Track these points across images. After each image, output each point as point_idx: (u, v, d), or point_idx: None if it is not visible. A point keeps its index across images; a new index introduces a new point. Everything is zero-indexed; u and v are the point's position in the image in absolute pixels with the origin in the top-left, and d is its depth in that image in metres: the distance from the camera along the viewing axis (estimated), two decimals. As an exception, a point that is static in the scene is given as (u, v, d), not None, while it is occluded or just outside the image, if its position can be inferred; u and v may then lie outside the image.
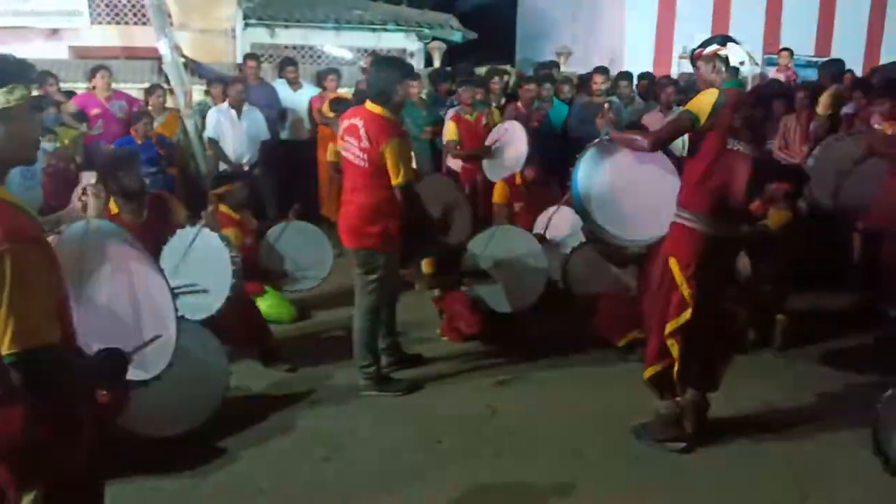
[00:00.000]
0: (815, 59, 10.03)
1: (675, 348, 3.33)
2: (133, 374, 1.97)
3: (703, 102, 3.19)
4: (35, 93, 1.82)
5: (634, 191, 3.70)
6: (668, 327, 3.32)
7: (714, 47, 3.25)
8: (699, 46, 3.35)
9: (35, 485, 1.78)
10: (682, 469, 3.32)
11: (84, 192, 2.30)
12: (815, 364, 4.50)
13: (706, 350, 3.40)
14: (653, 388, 3.48)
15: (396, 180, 3.74)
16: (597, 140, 3.76)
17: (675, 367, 3.36)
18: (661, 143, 3.35)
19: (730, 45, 3.26)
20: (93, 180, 2.32)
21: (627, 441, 3.50)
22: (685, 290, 3.27)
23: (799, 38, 9.93)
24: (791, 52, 8.74)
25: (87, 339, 1.98)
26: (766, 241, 4.65)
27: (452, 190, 5.01)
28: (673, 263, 3.30)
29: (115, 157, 4.36)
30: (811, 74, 8.82)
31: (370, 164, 3.77)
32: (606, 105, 3.69)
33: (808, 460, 3.40)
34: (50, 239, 2.10)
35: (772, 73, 9.00)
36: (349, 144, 3.87)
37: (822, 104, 5.98)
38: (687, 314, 3.27)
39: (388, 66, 3.98)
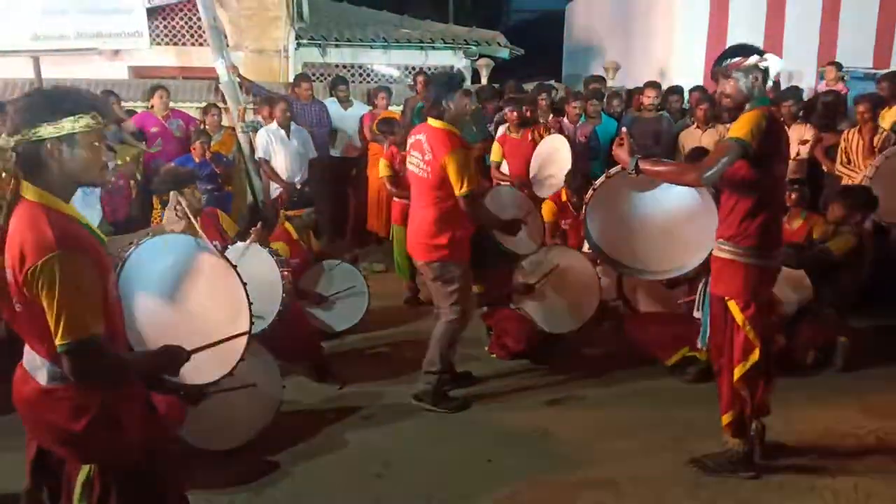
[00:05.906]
0: (873, 72, 9.70)
1: (745, 391, 3.20)
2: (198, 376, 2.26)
3: (751, 126, 2.90)
4: (103, 123, 2.01)
5: (649, 219, 3.46)
6: (737, 372, 3.17)
7: (756, 58, 3.00)
8: (732, 56, 3.03)
9: (88, 461, 2.04)
10: (745, 497, 3.20)
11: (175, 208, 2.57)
12: (879, 387, 4.32)
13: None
14: (730, 431, 3.30)
15: (459, 190, 3.81)
16: (613, 171, 3.41)
17: (749, 409, 3.24)
18: (714, 179, 2.94)
19: (770, 56, 3.04)
20: (181, 200, 2.59)
21: (685, 466, 3.40)
22: (749, 332, 3.12)
23: (857, 49, 9.59)
24: (839, 66, 8.27)
25: (169, 337, 2.24)
26: (829, 265, 4.48)
27: (524, 201, 4.98)
28: (732, 306, 3.14)
29: (179, 175, 4.50)
30: (870, 87, 8.49)
31: (434, 176, 3.87)
32: (623, 130, 3.25)
33: (873, 490, 3.24)
34: (130, 248, 2.39)
35: (821, 87, 8.71)
36: (414, 159, 3.99)
37: (890, 119, 5.77)
38: (754, 356, 3.13)
39: (437, 81, 4.15)
